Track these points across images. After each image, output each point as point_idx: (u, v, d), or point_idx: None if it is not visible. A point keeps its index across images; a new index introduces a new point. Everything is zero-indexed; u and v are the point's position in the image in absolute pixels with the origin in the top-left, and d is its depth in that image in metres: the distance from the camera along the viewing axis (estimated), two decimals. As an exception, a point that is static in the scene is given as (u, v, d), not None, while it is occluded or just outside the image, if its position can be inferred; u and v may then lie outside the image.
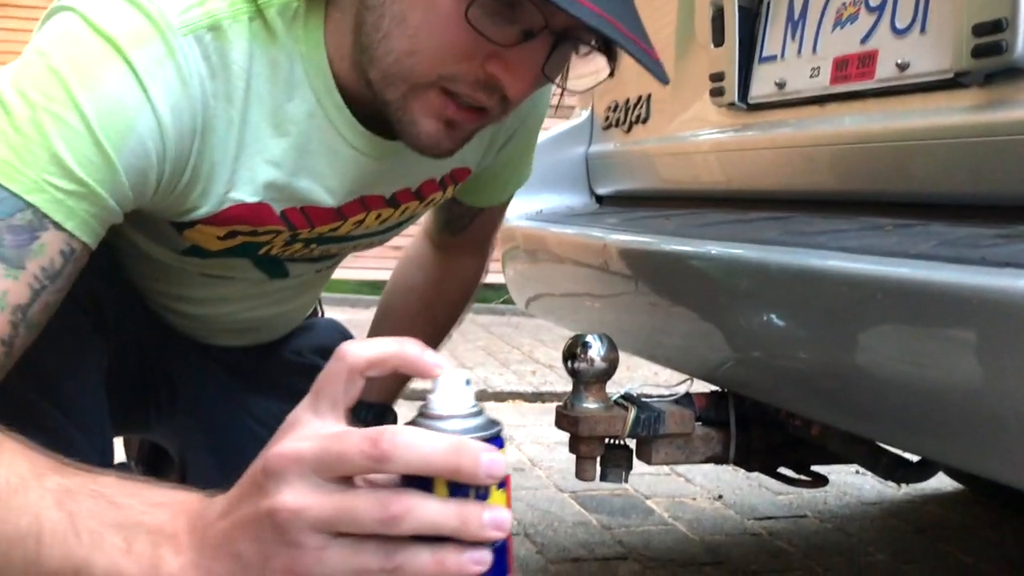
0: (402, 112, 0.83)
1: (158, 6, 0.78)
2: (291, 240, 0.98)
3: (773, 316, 0.97)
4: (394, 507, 0.54)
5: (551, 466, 2.52)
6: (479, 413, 0.58)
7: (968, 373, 0.74)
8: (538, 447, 2.75)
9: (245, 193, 0.88)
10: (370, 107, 0.87)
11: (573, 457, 1.19)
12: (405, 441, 0.54)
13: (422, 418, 0.57)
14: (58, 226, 0.75)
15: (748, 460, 1.16)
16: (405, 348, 0.58)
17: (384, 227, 1.06)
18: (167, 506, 0.61)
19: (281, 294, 1.15)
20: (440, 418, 0.57)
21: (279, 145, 0.88)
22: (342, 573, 0.55)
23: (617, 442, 1.16)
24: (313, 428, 0.57)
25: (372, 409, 1.27)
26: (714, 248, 1.05)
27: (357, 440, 0.54)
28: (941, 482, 2.44)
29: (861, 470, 2.57)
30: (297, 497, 0.55)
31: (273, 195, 0.91)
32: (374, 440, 0.53)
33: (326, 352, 1.21)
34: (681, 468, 2.54)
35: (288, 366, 1.28)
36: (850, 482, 2.49)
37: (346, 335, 1.39)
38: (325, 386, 0.58)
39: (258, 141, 0.87)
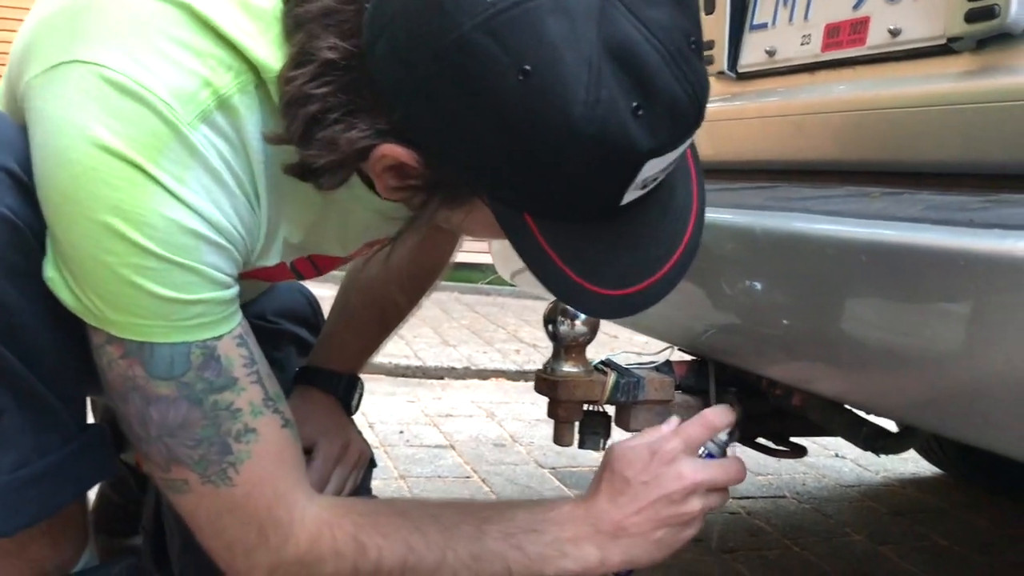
0: None
1: (165, 97, 0.74)
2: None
3: (756, 281, 0.95)
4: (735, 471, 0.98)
5: (532, 442, 2.52)
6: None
7: (954, 335, 0.73)
8: (520, 423, 2.74)
9: (268, 259, 0.89)
10: None
11: (553, 438, 1.18)
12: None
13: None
14: (216, 338, 0.81)
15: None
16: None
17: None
18: (568, 521, 0.93)
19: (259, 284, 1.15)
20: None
21: (304, 212, 0.88)
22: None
23: (596, 408, 1.15)
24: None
25: (342, 379, 1.26)
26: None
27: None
28: (919, 466, 2.45)
29: (840, 453, 2.58)
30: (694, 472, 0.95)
31: (289, 253, 0.92)
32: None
33: (289, 314, 1.19)
34: (661, 447, 2.54)
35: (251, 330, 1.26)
36: (829, 465, 2.49)
37: (309, 297, 1.38)
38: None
39: (285, 210, 0.86)
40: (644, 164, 0.70)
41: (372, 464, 1.27)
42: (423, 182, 0.76)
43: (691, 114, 0.71)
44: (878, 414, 1.06)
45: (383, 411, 2.75)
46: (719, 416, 0.98)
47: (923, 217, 0.77)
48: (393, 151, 0.74)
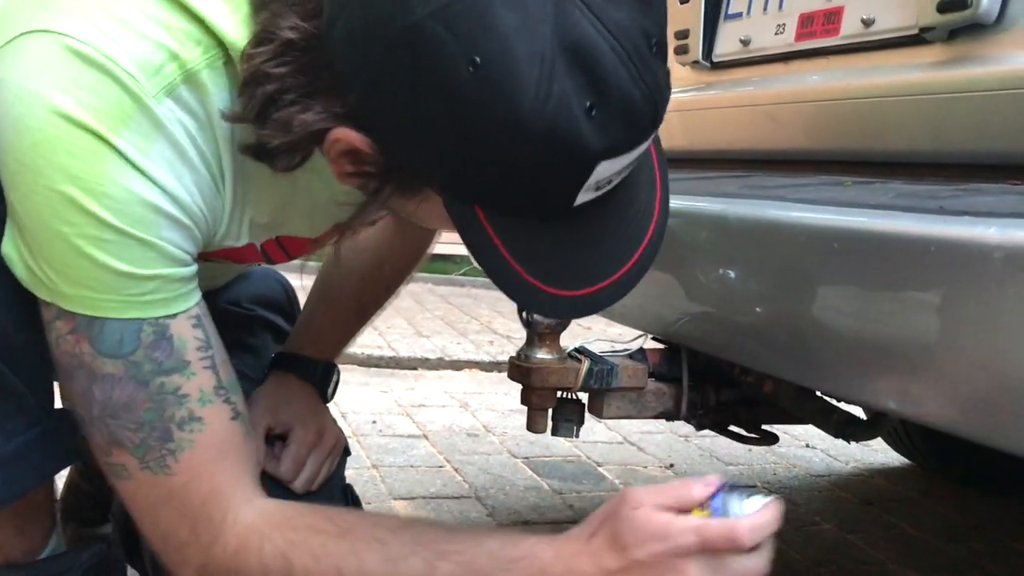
0: None
1: (129, 69, 0.73)
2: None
3: (729, 269, 0.96)
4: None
5: (505, 432, 2.52)
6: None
7: (924, 321, 0.73)
8: (493, 414, 2.74)
9: (235, 240, 0.87)
10: None
11: (526, 424, 1.17)
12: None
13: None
14: (170, 316, 0.79)
15: (700, 416, 1.16)
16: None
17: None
18: (535, 574, 0.80)
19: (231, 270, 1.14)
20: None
21: (270, 191, 0.86)
22: None
23: (569, 395, 1.15)
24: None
25: (318, 366, 1.25)
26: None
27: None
28: (888, 456, 2.48)
29: (811, 443, 2.61)
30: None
31: (258, 234, 0.91)
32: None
33: (263, 301, 1.17)
34: (634, 437, 2.55)
35: (226, 316, 1.25)
36: (800, 454, 2.52)
37: (285, 284, 1.37)
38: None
39: (251, 190, 0.85)
40: (596, 165, 0.69)
41: (347, 452, 1.27)
42: (377, 169, 0.75)
43: (646, 116, 0.69)
44: (848, 401, 1.07)
45: (356, 401, 2.74)
46: (754, 531, 0.79)
47: (894, 205, 0.78)
48: (347, 135, 0.73)
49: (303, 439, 1.17)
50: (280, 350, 1.26)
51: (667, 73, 0.72)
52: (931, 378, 0.75)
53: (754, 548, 0.79)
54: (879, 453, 2.53)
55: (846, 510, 2.12)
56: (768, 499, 0.81)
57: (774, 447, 2.54)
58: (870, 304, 0.79)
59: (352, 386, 2.93)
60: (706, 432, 1.40)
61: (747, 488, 0.83)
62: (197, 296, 0.82)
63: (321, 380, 1.25)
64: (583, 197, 0.72)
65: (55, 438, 0.87)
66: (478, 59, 0.64)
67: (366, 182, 0.77)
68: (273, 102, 0.73)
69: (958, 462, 2.25)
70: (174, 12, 0.76)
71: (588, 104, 0.66)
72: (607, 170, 0.70)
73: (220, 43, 0.76)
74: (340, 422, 2.55)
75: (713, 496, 0.80)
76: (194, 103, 0.77)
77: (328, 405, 1.29)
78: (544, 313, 1.06)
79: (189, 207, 0.78)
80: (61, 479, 1.48)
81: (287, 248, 0.99)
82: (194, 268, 0.81)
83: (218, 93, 0.77)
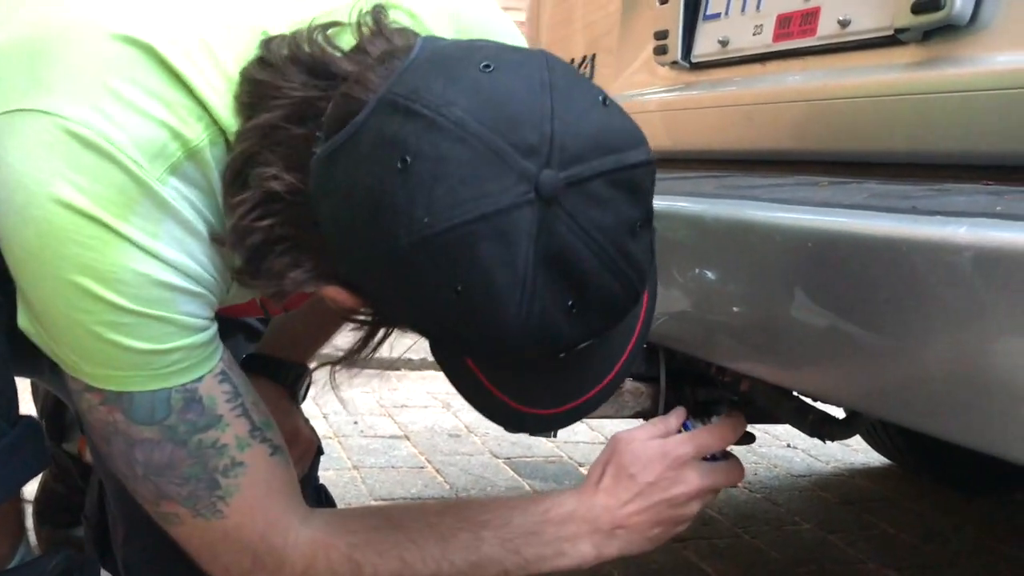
0: None
1: (131, 153, 0.72)
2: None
3: (705, 268, 0.96)
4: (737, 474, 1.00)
5: (487, 433, 2.51)
6: None
7: (897, 321, 0.74)
8: (475, 415, 2.71)
9: (242, 298, 0.88)
10: None
11: None
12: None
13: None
14: (197, 380, 0.80)
15: (677, 417, 1.16)
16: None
17: None
18: (567, 520, 0.92)
19: None
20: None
21: None
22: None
23: (547, 396, 1.14)
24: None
25: (291, 368, 1.25)
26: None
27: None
28: (869, 457, 2.49)
29: (792, 444, 2.61)
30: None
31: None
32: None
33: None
34: (616, 437, 2.55)
35: None
36: (780, 455, 2.52)
37: None
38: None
39: None
40: (576, 348, 0.73)
41: (319, 452, 1.26)
42: (371, 318, 0.80)
43: (627, 302, 0.73)
44: (824, 401, 1.07)
45: (337, 402, 2.73)
46: (734, 428, 0.99)
47: (867, 204, 0.78)
48: (338, 295, 0.75)
49: None
50: (252, 351, 1.25)
51: (652, 246, 0.74)
52: (904, 377, 0.75)
53: (725, 456, 0.99)
54: (860, 453, 2.54)
55: (826, 510, 2.12)
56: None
57: (755, 447, 2.54)
58: (843, 303, 0.79)
59: (339, 393, 2.91)
60: (685, 432, 1.40)
61: (708, 418, 1.03)
62: (220, 352, 0.83)
63: (293, 382, 1.24)
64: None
65: (20, 449, 0.87)
66: (460, 288, 0.66)
67: (361, 324, 0.81)
68: (261, 254, 0.74)
69: (936, 462, 2.26)
70: (172, 87, 0.75)
71: (569, 303, 0.69)
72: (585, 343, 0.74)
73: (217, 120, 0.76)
74: (320, 423, 2.55)
75: (684, 425, 0.98)
76: (198, 176, 0.76)
77: (303, 406, 1.28)
78: (533, 432, 1.18)
79: (202, 277, 0.78)
80: (34, 482, 1.46)
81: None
82: (214, 329, 0.81)
83: (220, 166, 0.77)
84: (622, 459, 0.94)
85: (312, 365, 1.29)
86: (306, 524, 0.88)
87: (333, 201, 0.70)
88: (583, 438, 2.51)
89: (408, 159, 0.65)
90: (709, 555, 1.80)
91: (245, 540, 0.85)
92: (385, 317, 0.79)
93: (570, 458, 2.33)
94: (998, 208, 0.69)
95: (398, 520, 0.91)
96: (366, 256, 0.69)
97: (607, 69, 1.54)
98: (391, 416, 2.66)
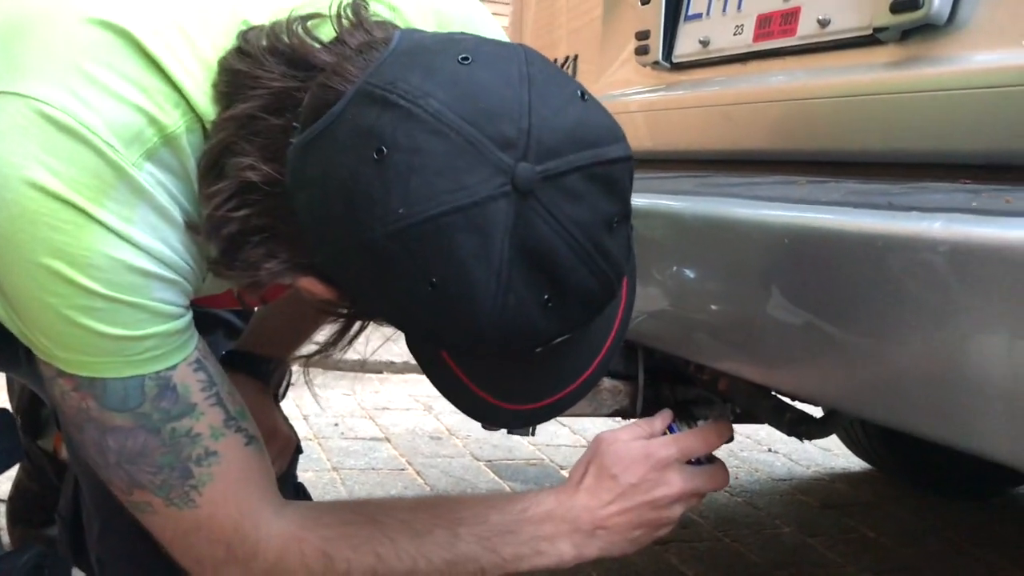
0: None
1: (107, 137, 0.71)
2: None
3: (682, 265, 0.96)
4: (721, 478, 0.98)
5: (468, 435, 2.51)
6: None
7: (873, 317, 0.74)
8: (457, 417, 2.71)
9: (218, 288, 0.87)
10: None
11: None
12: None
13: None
14: (171, 368, 0.79)
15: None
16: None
17: None
18: (546, 520, 0.91)
19: None
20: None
21: None
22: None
23: (525, 394, 1.14)
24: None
25: (270, 365, 1.24)
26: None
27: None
28: (849, 461, 2.49)
29: (773, 448, 2.62)
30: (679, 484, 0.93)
31: None
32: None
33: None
34: (597, 441, 2.55)
35: None
36: (762, 459, 2.53)
37: None
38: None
39: None
40: (552, 342, 0.72)
41: (298, 451, 1.25)
42: (346, 311, 0.79)
43: (603, 296, 0.72)
44: (802, 398, 1.07)
45: (318, 404, 2.72)
46: (719, 434, 0.98)
47: (844, 201, 0.78)
48: (314, 287, 0.75)
49: None
50: (232, 347, 1.24)
51: (628, 242, 0.74)
52: (880, 373, 0.75)
53: (711, 460, 0.98)
54: (840, 458, 2.54)
55: (806, 514, 2.13)
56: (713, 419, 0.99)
57: (736, 451, 2.55)
58: (819, 300, 0.79)
59: (315, 389, 2.90)
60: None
61: (694, 422, 1.00)
62: (195, 341, 0.82)
63: (273, 379, 1.23)
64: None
65: None
66: (435, 280, 0.66)
67: (336, 317, 0.80)
68: (237, 245, 0.73)
69: (915, 466, 2.27)
70: (149, 72, 0.74)
71: (545, 297, 0.68)
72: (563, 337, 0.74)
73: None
74: (301, 424, 2.53)
75: (669, 428, 0.97)
76: (174, 163, 0.75)
77: (287, 408, 1.27)
78: (510, 428, 1.13)
79: (177, 264, 0.77)
80: (8, 479, 1.45)
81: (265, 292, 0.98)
82: (188, 317, 0.81)
83: (197, 153, 0.76)
84: (605, 459, 0.93)
85: (294, 364, 1.29)
86: (280, 516, 0.87)
87: (309, 191, 0.69)
88: (564, 441, 2.51)
89: (384, 150, 0.64)
90: (689, 558, 1.80)
91: (218, 530, 0.84)
92: (360, 309, 0.78)
93: (551, 460, 2.33)
94: (974, 204, 0.69)
95: (373, 515, 0.90)
96: (341, 247, 0.68)
97: (589, 69, 1.54)
98: (372, 418, 2.65)
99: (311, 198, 0.69)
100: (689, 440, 0.96)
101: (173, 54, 0.75)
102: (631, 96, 1.40)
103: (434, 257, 0.65)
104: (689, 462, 0.96)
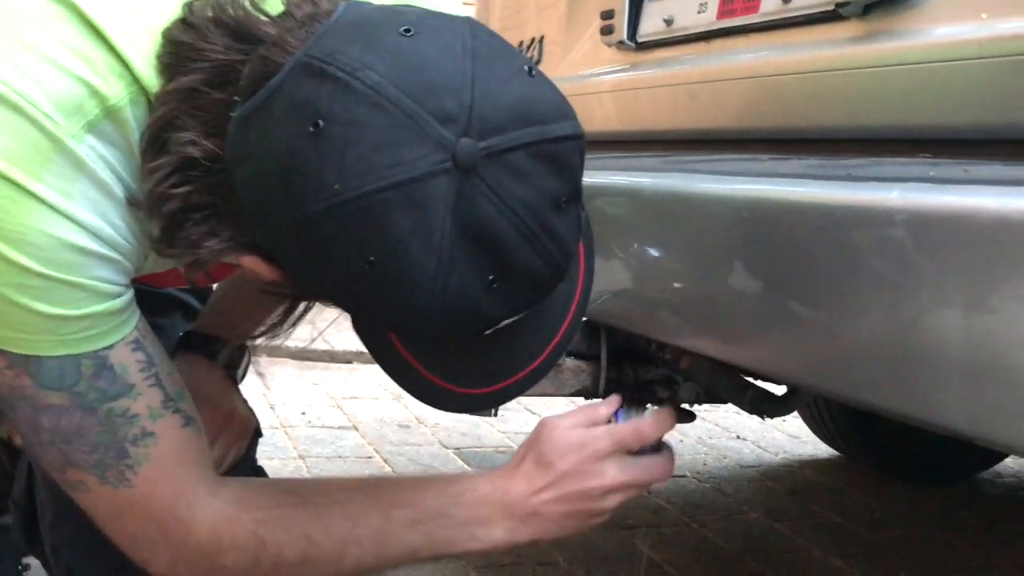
0: None
1: (46, 109, 0.69)
2: None
3: (643, 243, 0.95)
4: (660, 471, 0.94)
5: (437, 424, 2.49)
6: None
7: (832, 289, 0.73)
8: (426, 406, 2.72)
9: (162, 266, 0.85)
10: None
11: (458, 415, 1.15)
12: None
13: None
14: (108, 347, 0.77)
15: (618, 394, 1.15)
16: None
17: None
18: (480, 504, 0.89)
19: None
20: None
21: None
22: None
23: (487, 375, 1.13)
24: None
25: (228, 347, 1.21)
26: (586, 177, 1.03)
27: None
28: (816, 448, 2.51)
29: (741, 435, 2.63)
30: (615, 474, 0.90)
31: None
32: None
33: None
34: (567, 429, 2.55)
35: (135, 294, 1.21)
36: (730, 446, 2.53)
37: None
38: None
39: None
40: (498, 324, 0.71)
41: (258, 434, 1.23)
42: (289, 291, 0.77)
43: (551, 278, 0.71)
44: (764, 375, 1.06)
45: (286, 393, 2.69)
46: (659, 425, 0.94)
47: (803, 173, 0.77)
48: (256, 265, 0.73)
49: (211, 421, 1.13)
50: (189, 328, 1.22)
51: (577, 222, 0.72)
52: (839, 346, 0.74)
53: (658, 449, 0.94)
54: (808, 444, 2.56)
55: (774, 499, 2.14)
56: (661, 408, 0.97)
57: (705, 438, 2.55)
58: (777, 274, 0.79)
59: (283, 379, 2.87)
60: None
61: (643, 408, 0.96)
62: (134, 320, 0.80)
63: (231, 361, 1.21)
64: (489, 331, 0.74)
65: None
66: (372, 258, 0.65)
67: (280, 296, 0.79)
68: (178, 222, 0.71)
69: (882, 453, 2.28)
70: (94, 43, 0.72)
71: (490, 279, 0.67)
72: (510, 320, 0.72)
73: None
74: (268, 413, 2.50)
75: (615, 414, 0.94)
76: (116, 136, 0.73)
77: (253, 396, 1.25)
78: (459, 411, 1.11)
79: (117, 242, 0.75)
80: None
81: (211, 271, 0.95)
82: (128, 296, 0.78)
83: (141, 127, 0.73)
84: (543, 446, 0.92)
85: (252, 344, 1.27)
86: (215, 497, 0.85)
87: (247, 167, 0.68)
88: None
89: (321, 123, 0.63)
90: (657, 543, 1.79)
91: (152, 510, 0.83)
92: (302, 289, 0.76)
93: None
94: (931, 173, 0.69)
95: (308, 496, 0.90)
96: (278, 224, 0.67)
97: (554, 50, 1.53)
98: (340, 407, 2.63)
99: (249, 173, 0.68)
100: (624, 433, 0.93)
101: (119, 24, 0.73)
102: (597, 76, 1.39)
103: (370, 234, 0.64)
104: (633, 451, 0.93)
